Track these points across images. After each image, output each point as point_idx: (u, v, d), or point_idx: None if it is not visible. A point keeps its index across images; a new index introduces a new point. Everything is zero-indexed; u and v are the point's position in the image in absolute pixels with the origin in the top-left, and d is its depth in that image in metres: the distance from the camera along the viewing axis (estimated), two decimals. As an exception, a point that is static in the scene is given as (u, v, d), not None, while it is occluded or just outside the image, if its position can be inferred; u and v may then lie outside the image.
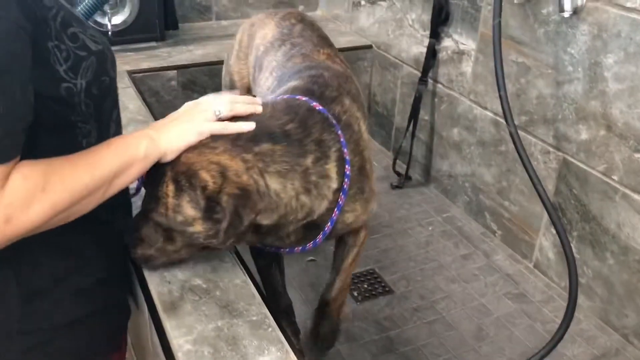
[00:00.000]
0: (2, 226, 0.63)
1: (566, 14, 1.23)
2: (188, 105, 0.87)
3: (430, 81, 1.73)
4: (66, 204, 0.69)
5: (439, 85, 1.71)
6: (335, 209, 0.93)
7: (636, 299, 1.25)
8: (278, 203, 0.85)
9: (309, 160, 0.88)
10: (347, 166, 0.92)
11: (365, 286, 1.43)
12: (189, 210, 0.81)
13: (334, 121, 0.93)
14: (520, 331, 1.32)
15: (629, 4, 1.14)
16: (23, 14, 0.64)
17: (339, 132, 0.92)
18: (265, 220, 0.85)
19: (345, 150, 0.93)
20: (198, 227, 0.81)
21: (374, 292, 1.41)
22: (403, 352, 1.25)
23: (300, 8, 2.20)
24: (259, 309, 0.86)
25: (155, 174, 0.81)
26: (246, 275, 0.92)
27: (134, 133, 0.79)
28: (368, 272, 1.47)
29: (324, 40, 1.23)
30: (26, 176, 0.65)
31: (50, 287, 0.77)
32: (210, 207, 0.80)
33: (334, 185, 0.91)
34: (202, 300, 0.86)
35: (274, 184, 0.84)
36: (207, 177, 0.79)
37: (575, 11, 1.23)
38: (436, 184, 1.81)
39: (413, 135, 1.76)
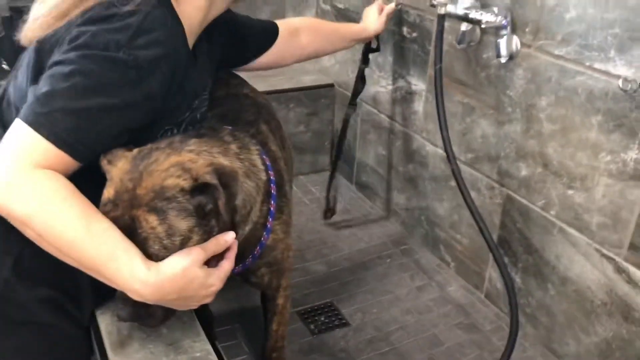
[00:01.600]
0: (8, 190, 0.73)
1: (503, 59, 1.31)
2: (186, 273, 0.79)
3: (387, 119, 1.81)
4: (34, 230, 0.75)
5: (395, 123, 1.79)
6: (265, 230, 0.99)
7: (575, 327, 1.31)
8: None
9: (234, 146, 0.94)
10: (270, 172, 0.98)
11: (322, 319, 1.48)
12: (181, 224, 0.79)
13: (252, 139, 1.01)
14: (470, 360, 1.38)
15: (556, 52, 1.23)
16: (161, 90, 0.84)
17: (258, 146, 1.00)
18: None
19: (264, 156, 0.99)
20: (197, 236, 0.80)
21: (330, 325, 1.46)
22: (355, 383, 1.30)
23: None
24: (203, 346, 0.91)
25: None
26: (193, 313, 0.97)
27: (134, 264, 0.76)
28: (326, 305, 1.52)
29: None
30: (48, 180, 0.75)
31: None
32: (200, 204, 0.79)
33: (263, 176, 0.96)
34: (149, 338, 0.91)
35: (225, 161, 0.87)
36: (175, 181, 0.79)
37: (511, 57, 1.32)
38: (395, 217, 1.87)
39: (338, 157, 1.82)
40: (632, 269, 1.17)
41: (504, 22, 1.27)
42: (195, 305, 0.84)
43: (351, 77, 1.95)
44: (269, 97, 1.42)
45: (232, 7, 1.05)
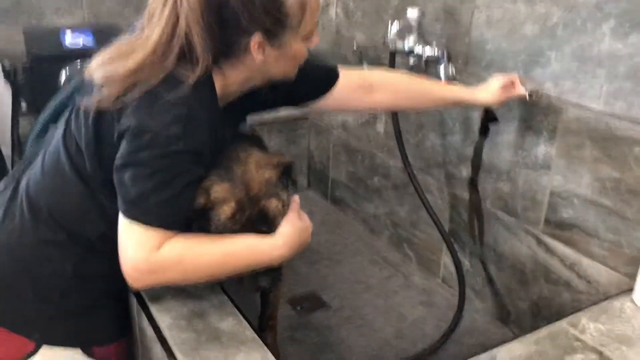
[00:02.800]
0: (148, 275, 1.02)
1: (442, 83, 1.66)
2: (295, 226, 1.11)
3: (355, 140, 2.14)
4: (193, 277, 1.08)
5: (361, 143, 2.12)
6: None
7: (513, 296, 1.62)
8: None
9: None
10: None
11: (307, 303, 1.76)
12: (285, 196, 1.14)
13: None
14: (430, 330, 1.66)
15: (482, 74, 1.58)
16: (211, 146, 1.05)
17: None
18: None
19: None
20: (288, 202, 1.14)
21: (313, 308, 1.74)
22: (336, 350, 1.57)
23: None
24: (220, 297, 1.19)
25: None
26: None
27: (267, 241, 1.08)
28: (309, 293, 1.81)
29: None
30: (173, 247, 1.02)
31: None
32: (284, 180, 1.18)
33: None
34: (177, 293, 1.19)
35: None
36: (270, 173, 1.14)
37: (449, 80, 1.67)
38: (365, 224, 2.18)
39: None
40: (548, 239, 1.49)
41: (439, 54, 1.63)
42: (308, 241, 1.16)
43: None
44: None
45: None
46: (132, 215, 1.01)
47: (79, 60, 2.08)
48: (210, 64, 1.04)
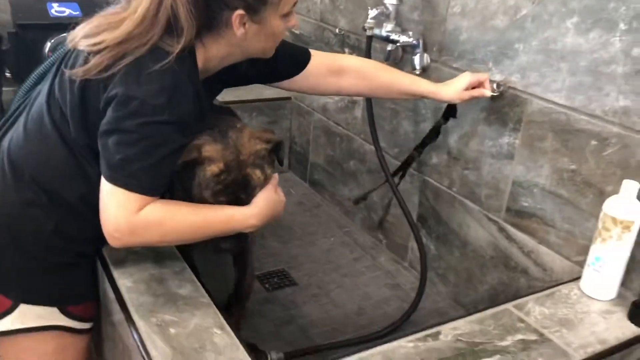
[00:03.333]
0: (128, 235, 1.07)
1: (417, 71, 1.70)
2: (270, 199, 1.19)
3: (334, 124, 2.18)
4: (172, 240, 1.15)
5: (340, 127, 2.16)
6: None
7: (473, 280, 1.67)
8: None
9: None
10: None
11: (276, 280, 1.80)
12: (269, 171, 1.21)
13: None
14: (392, 310, 1.71)
15: (454, 65, 1.61)
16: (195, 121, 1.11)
17: None
18: None
19: None
20: (269, 177, 1.23)
21: (282, 284, 1.78)
22: (299, 323, 1.62)
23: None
24: (181, 264, 1.23)
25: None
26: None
27: (242, 211, 1.15)
28: (279, 271, 1.85)
29: None
30: (154, 211, 1.07)
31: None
32: (273, 156, 1.27)
33: None
34: (140, 258, 1.24)
35: None
36: (261, 146, 1.22)
37: (424, 69, 1.70)
38: (340, 206, 2.23)
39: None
40: (509, 227, 1.53)
41: (414, 42, 1.66)
42: (280, 215, 1.23)
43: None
44: (236, 106, 1.71)
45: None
46: (115, 180, 1.06)
47: (65, 34, 2.12)
48: (193, 36, 1.09)
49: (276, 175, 1.24)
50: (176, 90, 1.06)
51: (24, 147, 1.18)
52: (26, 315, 1.19)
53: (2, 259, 1.17)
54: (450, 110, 1.61)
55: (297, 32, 2.35)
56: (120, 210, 1.05)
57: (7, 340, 1.20)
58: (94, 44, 1.08)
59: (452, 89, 1.44)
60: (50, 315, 1.21)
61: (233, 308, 1.51)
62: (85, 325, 1.29)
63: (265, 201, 1.18)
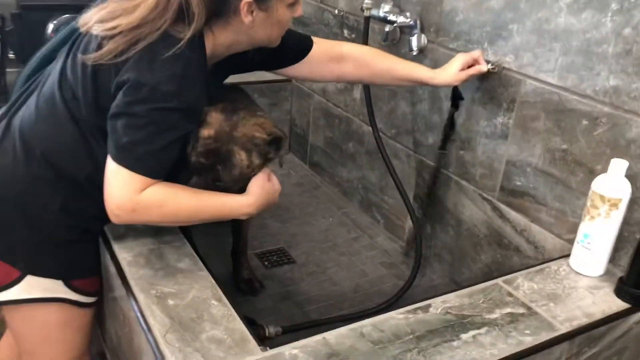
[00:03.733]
0: (129, 213, 1.11)
1: (414, 52, 1.71)
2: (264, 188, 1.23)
3: (334, 106, 2.20)
4: (169, 221, 1.19)
5: (339, 109, 2.18)
6: None
7: (467, 258, 1.70)
8: None
9: None
10: None
11: (275, 258, 1.84)
12: (257, 161, 1.23)
13: None
14: (388, 287, 1.74)
15: (450, 46, 1.63)
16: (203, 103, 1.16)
17: None
18: None
19: None
20: (258, 170, 1.24)
21: (280, 262, 1.82)
22: (297, 300, 1.66)
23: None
24: (180, 240, 1.27)
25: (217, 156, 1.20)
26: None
27: (237, 199, 1.20)
28: (278, 249, 1.88)
29: None
30: (156, 193, 1.11)
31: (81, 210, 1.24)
32: (268, 151, 1.25)
33: None
34: (140, 234, 1.27)
35: None
36: (261, 134, 1.23)
37: (421, 50, 1.72)
38: (339, 187, 2.25)
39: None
40: (502, 206, 1.56)
41: (411, 22, 1.68)
42: (275, 202, 1.27)
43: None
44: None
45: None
46: (121, 160, 1.10)
47: (67, 15, 2.13)
48: (203, 23, 1.13)
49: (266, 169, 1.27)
50: (186, 78, 1.10)
51: (35, 125, 1.21)
52: (32, 286, 1.23)
53: (12, 231, 1.21)
54: (456, 94, 1.61)
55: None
56: (124, 190, 1.10)
57: (13, 309, 1.25)
58: (109, 29, 1.11)
59: (449, 73, 1.46)
60: (55, 288, 1.25)
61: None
62: (89, 299, 1.32)
63: (260, 189, 1.22)
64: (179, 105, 1.10)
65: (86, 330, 1.37)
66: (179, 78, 1.09)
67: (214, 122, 1.20)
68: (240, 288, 1.65)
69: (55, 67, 1.24)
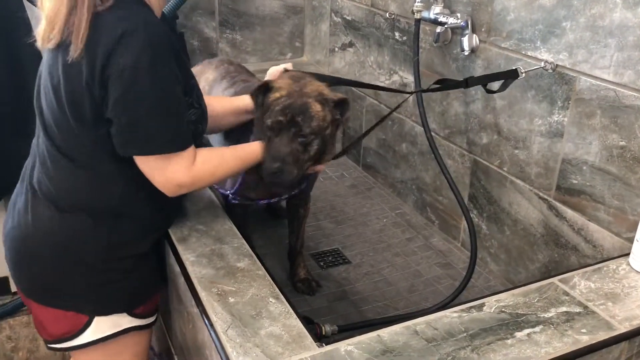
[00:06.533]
0: (190, 184, 1.21)
1: (466, 53, 1.72)
2: None
3: (386, 108, 2.22)
4: (219, 179, 1.31)
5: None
6: None
7: (524, 258, 1.69)
8: None
9: None
10: None
11: (330, 259, 1.87)
12: (329, 116, 1.33)
13: None
14: (443, 287, 1.75)
15: (502, 45, 1.63)
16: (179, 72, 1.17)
17: None
18: None
19: None
20: (327, 131, 1.34)
21: (336, 263, 1.86)
22: (352, 300, 1.69)
23: (289, 55, 2.73)
24: (239, 241, 1.32)
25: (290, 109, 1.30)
26: (231, 222, 1.39)
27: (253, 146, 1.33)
28: (333, 250, 1.92)
29: (248, 72, 1.79)
30: (205, 161, 1.22)
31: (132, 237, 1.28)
32: (334, 114, 1.35)
33: None
34: (202, 236, 1.33)
35: None
36: (329, 93, 1.35)
37: (472, 50, 1.72)
38: (392, 188, 2.27)
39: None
40: (559, 205, 1.54)
41: (462, 23, 1.68)
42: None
43: (357, 75, 2.37)
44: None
45: None
46: (152, 151, 1.15)
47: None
48: None
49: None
50: (155, 44, 1.09)
51: (51, 184, 1.23)
52: (102, 326, 1.29)
53: (71, 282, 1.26)
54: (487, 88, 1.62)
55: (348, 18, 2.40)
56: (177, 168, 1.17)
57: (84, 352, 1.31)
58: (52, 33, 1.11)
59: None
60: (121, 321, 1.31)
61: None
62: (150, 320, 1.38)
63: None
64: (162, 71, 1.11)
65: (148, 345, 1.44)
66: (151, 48, 1.09)
67: (284, 86, 1.33)
68: (297, 288, 1.69)
69: (37, 122, 1.24)
